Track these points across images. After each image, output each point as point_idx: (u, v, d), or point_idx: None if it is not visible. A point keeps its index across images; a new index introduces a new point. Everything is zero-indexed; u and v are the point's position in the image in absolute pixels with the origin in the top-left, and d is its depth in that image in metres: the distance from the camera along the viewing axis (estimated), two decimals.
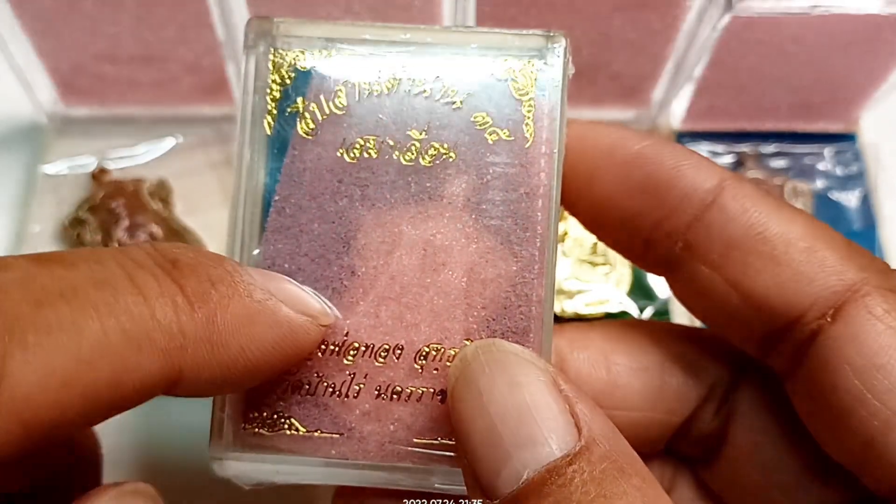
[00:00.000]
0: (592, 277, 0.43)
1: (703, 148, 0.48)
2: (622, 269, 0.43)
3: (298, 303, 0.21)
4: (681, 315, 0.42)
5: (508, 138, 0.23)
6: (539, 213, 0.23)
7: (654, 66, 0.44)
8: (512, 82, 0.23)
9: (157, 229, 0.43)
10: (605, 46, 0.42)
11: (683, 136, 0.48)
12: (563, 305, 0.43)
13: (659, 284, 0.43)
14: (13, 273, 0.18)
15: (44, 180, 0.45)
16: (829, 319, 0.22)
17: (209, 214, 0.44)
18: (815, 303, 0.22)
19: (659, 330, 0.27)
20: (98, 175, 0.45)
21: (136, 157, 0.46)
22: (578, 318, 0.42)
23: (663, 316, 0.43)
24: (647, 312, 0.43)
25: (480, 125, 0.23)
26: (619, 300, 0.43)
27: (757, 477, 0.25)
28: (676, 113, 0.47)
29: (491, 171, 0.23)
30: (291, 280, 0.22)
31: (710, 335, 0.27)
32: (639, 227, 0.24)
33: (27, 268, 0.18)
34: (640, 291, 0.43)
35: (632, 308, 0.43)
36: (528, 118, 0.23)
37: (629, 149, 0.24)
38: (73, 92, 0.45)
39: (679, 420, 0.26)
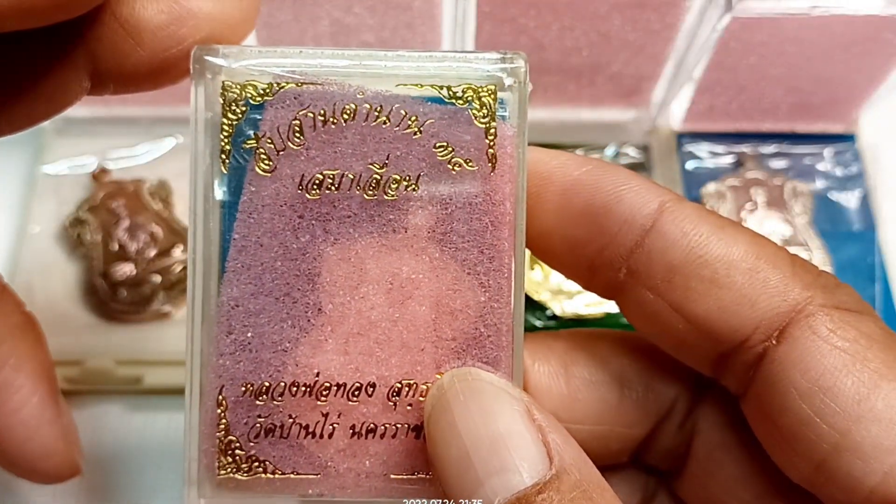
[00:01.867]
0: None
1: (703, 148, 0.48)
2: None
3: None
4: None
5: (471, 168, 0.22)
6: (505, 242, 0.22)
7: (654, 67, 0.44)
8: (473, 109, 0.22)
9: (157, 229, 0.43)
10: (605, 46, 0.42)
11: (683, 137, 0.48)
12: (563, 305, 0.43)
13: None
14: None
15: (44, 180, 0.45)
16: (773, 342, 0.22)
17: None
18: (760, 325, 0.22)
19: (621, 343, 0.27)
20: (98, 175, 0.45)
21: (136, 158, 0.46)
22: (578, 319, 0.42)
23: None
24: None
25: (442, 155, 0.22)
26: None
27: (719, 493, 0.25)
28: (676, 113, 0.47)
29: (455, 201, 0.22)
30: None
31: None
32: (582, 255, 0.24)
33: None
34: None
35: None
36: (491, 146, 0.22)
37: (569, 175, 0.23)
38: None
39: (640, 434, 0.26)
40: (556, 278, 0.43)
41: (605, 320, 0.43)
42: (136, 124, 0.46)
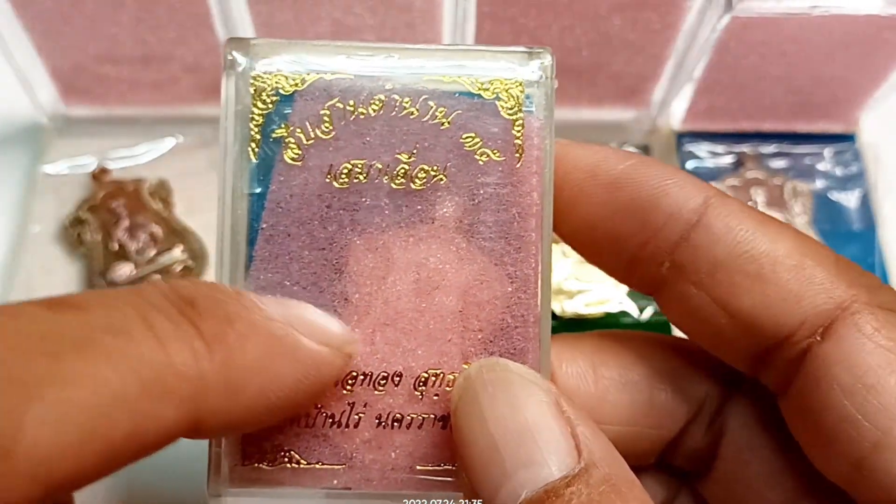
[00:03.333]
0: (592, 277, 0.43)
1: (703, 148, 0.48)
2: None
3: (319, 333, 0.21)
4: None
5: (499, 158, 0.23)
6: (532, 233, 0.23)
7: (654, 66, 0.44)
8: (499, 101, 0.23)
9: (157, 229, 0.43)
10: (605, 46, 0.42)
11: (683, 137, 0.48)
12: (563, 305, 0.43)
13: None
14: (24, 322, 0.17)
15: (44, 180, 0.45)
16: (818, 338, 0.22)
17: (209, 214, 0.44)
18: (805, 321, 0.22)
19: (649, 343, 0.27)
20: (98, 175, 0.45)
21: (136, 157, 0.46)
22: (578, 319, 0.42)
23: (662, 316, 0.43)
24: (647, 312, 0.43)
25: (470, 146, 0.23)
26: (619, 300, 0.43)
27: (747, 494, 0.25)
28: (676, 113, 0.47)
29: (482, 192, 0.23)
30: (311, 307, 0.22)
31: (700, 349, 0.27)
32: (624, 249, 0.24)
33: (37, 315, 0.17)
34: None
35: (631, 308, 0.43)
36: (518, 137, 0.23)
37: (612, 169, 0.24)
38: (73, 92, 0.45)
39: (668, 434, 0.26)
40: (556, 278, 0.43)
41: (605, 320, 0.43)
42: (136, 124, 0.46)
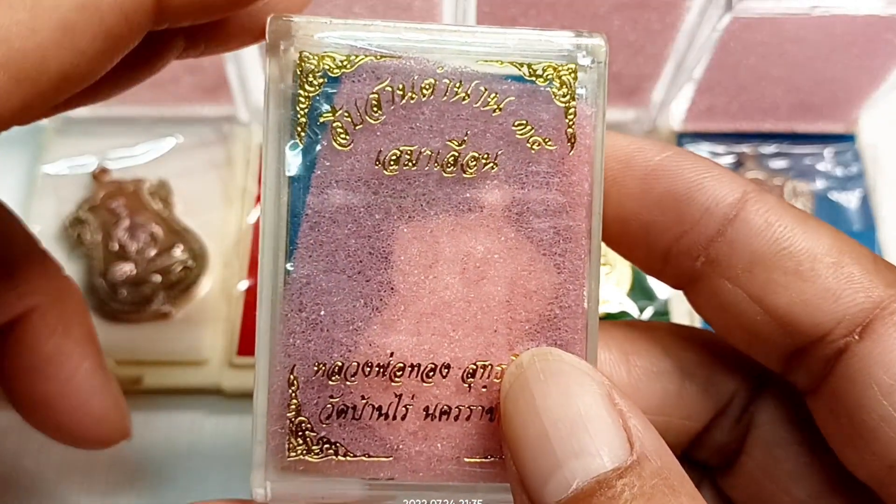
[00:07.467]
0: None
1: (703, 148, 0.48)
2: (622, 269, 0.43)
3: None
4: (681, 316, 0.42)
5: (550, 147, 0.22)
6: (582, 223, 0.22)
7: (654, 67, 0.44)
8: (553, 88, 0.22)
9: (157, 229, 0.43)
10: None
11: (683, 137, 0.48)
12: None
13: (659, 285, 0.43)
14: None
15: (44, 180, 0.45)
16: (856, 337, 0.21)
17: (209, 214, 0.44)
18: (842, 320, 0.22)
19: (681, 334, 0.26)
20: (98, 175, 0.45)
21: (136, 157, 0.46)
22: None
23: (663, 316, 0.43)
24: (647, 313, 0.43)
25: (521, 133, 0.22)
26: (619, 300, 0.43)
27: (773, 490, 0.25)
28: (676, 113, 0.47)
29: (532, 180, 0.22)
30: None
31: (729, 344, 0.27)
32: (658, 242, 0.24)
33: None
34: (640, 291, 0.43)
35: (632, 308, 0.43)
36: (570, 126, 0.22)
37: (649, 161, 0.23)
38: None
39: (697, 426, 0.26)
40: None
41: (605, 320, 0.42)
42: (136, 124, 0.46)
